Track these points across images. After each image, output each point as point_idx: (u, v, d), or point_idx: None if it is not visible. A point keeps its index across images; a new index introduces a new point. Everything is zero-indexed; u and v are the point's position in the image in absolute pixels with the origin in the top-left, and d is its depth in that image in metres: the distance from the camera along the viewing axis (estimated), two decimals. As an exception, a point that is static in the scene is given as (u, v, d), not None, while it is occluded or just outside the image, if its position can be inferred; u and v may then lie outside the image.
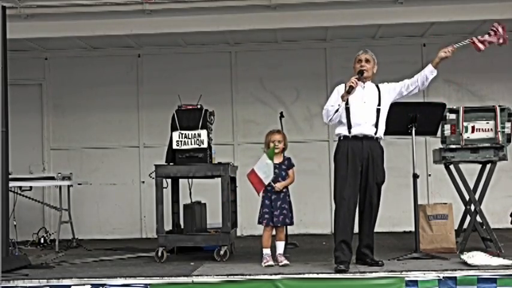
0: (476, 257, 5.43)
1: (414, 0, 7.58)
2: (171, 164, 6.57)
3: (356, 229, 5.64)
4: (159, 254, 6.36)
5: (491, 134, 6.51)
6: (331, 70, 9.34)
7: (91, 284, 5.29)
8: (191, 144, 6.50)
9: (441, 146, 6.62)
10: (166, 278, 5.33)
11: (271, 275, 5.29)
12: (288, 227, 6.65)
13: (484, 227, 6.52)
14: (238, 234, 8.13)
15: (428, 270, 5.22)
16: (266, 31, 8.41)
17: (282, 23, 7.84)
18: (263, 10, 7.69)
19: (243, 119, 9.47)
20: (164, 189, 6.50)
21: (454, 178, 6.62)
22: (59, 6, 7.68)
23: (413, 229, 6.30)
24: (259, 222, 5.97)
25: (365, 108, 5.63)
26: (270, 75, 9.45)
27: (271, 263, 5.81)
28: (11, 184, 7.09)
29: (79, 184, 8.55)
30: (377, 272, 5.28)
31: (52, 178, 8.07)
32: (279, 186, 5.88)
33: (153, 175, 6.48)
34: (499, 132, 6.46)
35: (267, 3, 7.61)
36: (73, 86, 9.60)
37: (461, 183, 6.59)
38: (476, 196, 6.57)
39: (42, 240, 8.27)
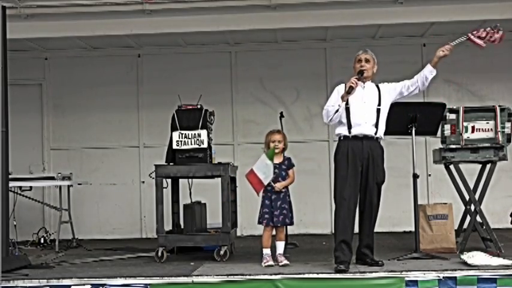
0: (476, 257, 5.43)
1: (414, 0, 7.58)
2: (171, 164, 6.57)
3: (356, 229, 5.64)
4: (159, 254, 6.36)
5: (491, 134, 6.51)
6: (331, 70, 9.34)
7: (91, 284, 5.30)
8: (191, 144, 6.50)
9: (441, 146, 6.62)
10: (166, 278, 5.33)
11: (271, 275, 5.29)
12: (288, 227, 6.65)
13: (484, 227, 6.52)
14: (238, 234, 8.13)
15: (428, 270, 5.22)
16: (266, 31, 8.41)
17: (282, 23, 7.84)
18: (263, 10, 7.69)
19: (243, 119, 9.47)
20: (164, 189, 6.50)
21: (454, 178, 6.62)
22: (59, 6, 7.68)
23: (413, 229, 6.30)
24: (259, 222, 5.97)
25: (365, 108, 5.63)
26: (270, 75, 9.45)
27: (271, 263, 5.81)
28: (11, 184, 7.09)
29: (79, 184, 8.56)
30: (377, 272, 5.28)
31: (52, 178, 8.07)
32: (278, 186, 5.88)
33: (153, 175, 6.48)
34: (499, 132, 6.46)
35: (267, 3, 7.61)
36: (73, 86, 9.61)
37: (461, 183, 6.59)
38: (476, 196, 6.57)
39: (42, 240, 8.27)
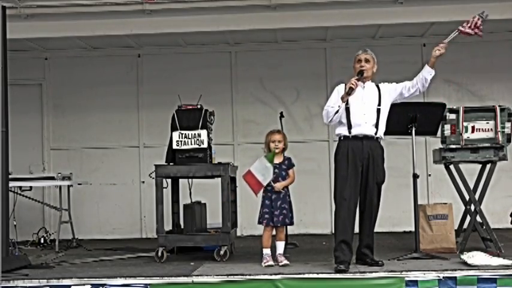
0: (476, 257, 5.43)
1: (414, 0, 7.58)
2: (171, 164, 6.57)
3: (356, 229, 5.64)
4: (159, 254, 6.36)
5: (491, 134, 6.51)
6: (331, 70, 9.34)
7: (91, 284, 5.29)
8: (191, 144, 6.50)
9: (441, 146, 6.62)
10: (166, 278, 5.33)
11: (271, 275, 5.29)
12: (288, 227, 6.65)
13: (484, 227, 6.52)
14: (238, 234, 8.13)
15: (428, 270, 5.22)
16: (266, 31, 8.41)
17: (282, 23, 7.84)
18: (263, 10, 7.70)
19: (243, 119, 9.47)
20: (164, 189, 6.50)
21: (454, 178, 6.62)
22: (59, 6, 7.68)
23: (413, 229, 6.30)
24: (259, 222, 5.97)
25: (365, 108, 5.62)
26: (270, 75, 9.45)
27: (271, 263, 5.81)
28: (11, 184, 7.09)
29: (79, 184, 8.56)
30: (377, 272, 5.28)
31: (52, 178, 8.07)
32: (278, 186, 5.88)
33: (153, 175, 6.48)
34: (499, 132, 6.46)
35: (267, 3, 7.61)
36: (73, 86, 9.61)
37: (461, 183, 6.59)
38: (476, 196, 6.57)
39: (42, 240, 8.27)
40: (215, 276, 5.30)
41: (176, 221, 7.09)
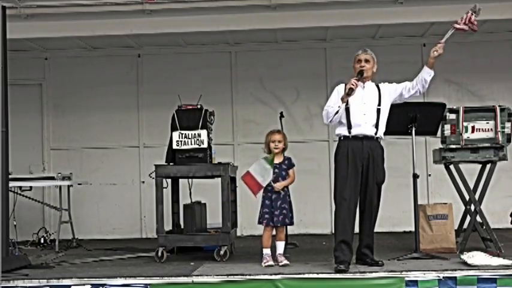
0: (476, 257, 5.43)
1: (414, 0, 7.58)
2: (171, 164, 6.57)
3: (356, 229, 5.64)
4: (159, 254, 6.36)
5: (491, 134, 6.51)
6: (331, 70, 9.34)
7: (91, 284, 5.29)
8: (191, 144, 6.50)
9: (441, 146, 6.62)
10: (166, 278, 5.33)
11: (271, 275, 5.29)
12: (288, 227, 6.64)
13: (484, 227, 6.52)
14: (238, 234, 8.13)
15: (428, 270, 5.22)
16: (266, 31, 8.41)
17: (282, 23, 7.84)
18: (263, 10, 7.69)
19: (243, 119, 9.47)
20: (164, 189, 6.50)
21: (454, 178, 6.62)
22: (59, 6, 7.68)
23: (413, 229, 6.30)
24: (259, 222, 5.96)
25: (365, 108, 5.62)
26: (270, 75, 9.45)
27: (271, 263, 5.81)
28: (11, 184, 7.09)
29: (79, 184, 8.56)
30: (377, 272, 5.28)
31: (52, 178, 8.07)
32: (278, 186, 5.88)
33: (153, 175, 6.48)
34: (499, 132, 6.46)
35: (267, 3, 7.61)
36: (73, 86, 9.61)
37: (461, 183, 6.59)
38: (476, 196, 6.57)
39: (42, 240, 8.27)
40: (215, 276, 5.30)
41: (176, 221, 7.09)
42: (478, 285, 5.10)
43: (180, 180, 7.00)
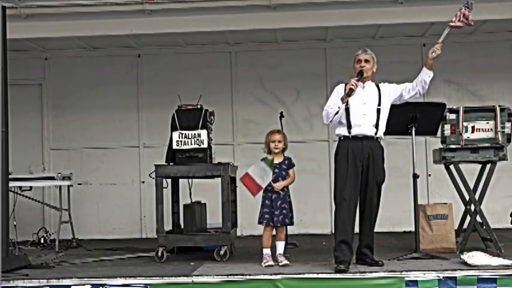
0: (476, 257, 5.43)
1: (414, 0, 7.58)
2: (171, 164, 6.57)
3: (356, 229, 5.64)
4: (159, 254, 6.36)
5: (491, 134, 6.51)
6: (331, 70, 9.34)
7: (91, 284, 5.29)
8: (191, 144, 6.50)
9: (441, 146, 6.62)
10: (166, 278, 5.33)
11: (271, 275, 5.28)
12: (288, 227, 6.64)
13: (484, 227, 6.52)
14: (238, 234, 8.13)
15: (428, 270, 5.22)
16: (266, 31, 8.41)
17: (282, 23, 7.84)
18: (263, 10, 7.69)
19: (243, 119, 9.47)
20: (164, 189, 6.50)
21: (454, 178, 6.62)
22: (59, 6, 7.68)
23: (413, 229, 6.30)
24: (259, 222, 5.96)
25: (365, 109, 5.62)
26: (270, 75, 9.45)
27: (271, 263, 5.81)
28: (11, 184, 7.09)
29: (79, 184, 8.55)
30: (377, 272, 5.28)
31: (52, 178, 8.07)
32: (278, 185, 5.88)
33: (153, 175, 6.48)
34: (499, 132, 6.46)
35: (267, 3, 7.61)
36: (73, 86, 9.61)
37: (461, 183, 6.59)
38: (476, 196, 6.57)
39: (42, 240, 8.27)
40: (215, 276, 5.30)
41: (176, 221, 7.09)
42: (478, 285, 5.10)
43: (180, 180, 7.00)
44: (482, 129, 6.52)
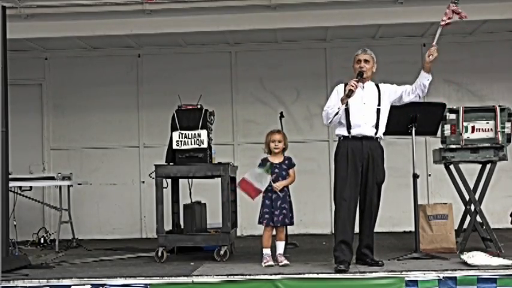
0: (476, 257, 5.43)
1: (414, 0, 7.58)
2: (171, 164, 6.57)
3: (356, 229, 5.64)
4: (159, 254, 6.36)
5: (491, 134, 6.51)
6: (331, 70, 9.34)
7: (91, 284, 5.29)
8: (191, 144, 6.50)
9: (441, 146, 6.62)
10: (166, 278, 5.33)
11: (271, 275, 5.29)
12: (288, 227, 6.64)
13: (484, 227, 6.52)
14: (238, 234, 8.13)
15: (428, 270, 5.22)
16: (266, 31, 8.42)
17: (282, 23, 7.84)
18: (263, 10, 7.70)
19: (243, 119, 9.47)
20: (164, 189, 6.50)
21: (454, 178, 6.62)
22: (59, 6, 7.68)
23: (413, 229, 6.30)
24: (260, 222, 5.96)
25: (365, 109, 5.61)
26: (270, 75, 9.45)
27: (271, 263, 5.81)
28: (11, 184, 7.09)
29: (79, 184, 8.55)
30: (377, 272, 5.28)
31: (52, 178, 8.07)
32: (278, 185, 5.88)
33: (153, 175, 6.48)
34: (499, 132, 6.46)
35: (267, 3, 7.62)
36: (73, 86, 9.61)
37: (461, 183, 6.59)
38: (476, 196, 6.57)
39: (42, 240, 8.26)
40: (215, 276, 5.30)
41: (176, 221, 7.09)
42: (478, 285, 5.10)
43: (180, 180, 7.00)
44: (482, 129, 6.52)
